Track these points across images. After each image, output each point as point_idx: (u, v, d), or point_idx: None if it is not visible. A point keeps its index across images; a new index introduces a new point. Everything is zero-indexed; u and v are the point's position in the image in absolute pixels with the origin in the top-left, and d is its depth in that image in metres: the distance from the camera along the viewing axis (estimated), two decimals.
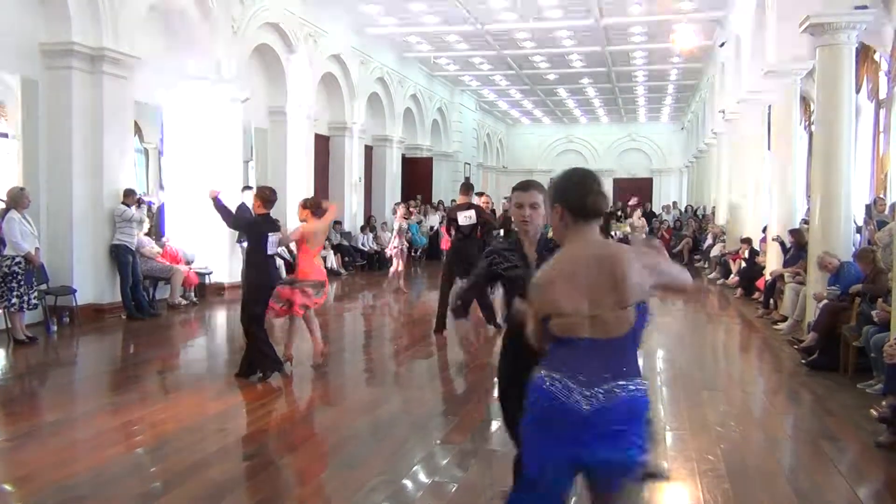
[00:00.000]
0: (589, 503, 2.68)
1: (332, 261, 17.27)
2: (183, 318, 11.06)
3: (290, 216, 15.67)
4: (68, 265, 10.00)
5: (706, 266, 19.28)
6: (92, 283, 10.30)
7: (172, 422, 5.74)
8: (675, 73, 23.79)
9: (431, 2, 15.77)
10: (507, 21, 17.18)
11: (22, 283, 8.50)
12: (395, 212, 15.78)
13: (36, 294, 8.96)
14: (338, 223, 17.23)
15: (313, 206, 7.47)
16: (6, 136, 17.00)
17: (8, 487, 4.46)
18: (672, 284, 2.76)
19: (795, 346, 8.60)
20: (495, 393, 6.80)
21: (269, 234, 7.01)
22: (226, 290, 13.22)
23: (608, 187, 34.56)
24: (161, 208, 13.67)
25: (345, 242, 17.83)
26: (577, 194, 2.61)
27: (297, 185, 15.96)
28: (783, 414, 6.57)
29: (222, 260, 13.30)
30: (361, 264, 18.02)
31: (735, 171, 16.63)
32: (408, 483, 4.56)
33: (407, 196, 22.89)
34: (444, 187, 26.00)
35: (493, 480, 4.55)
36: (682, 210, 26.77)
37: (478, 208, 10.00)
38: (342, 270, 17.18)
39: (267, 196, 7.20)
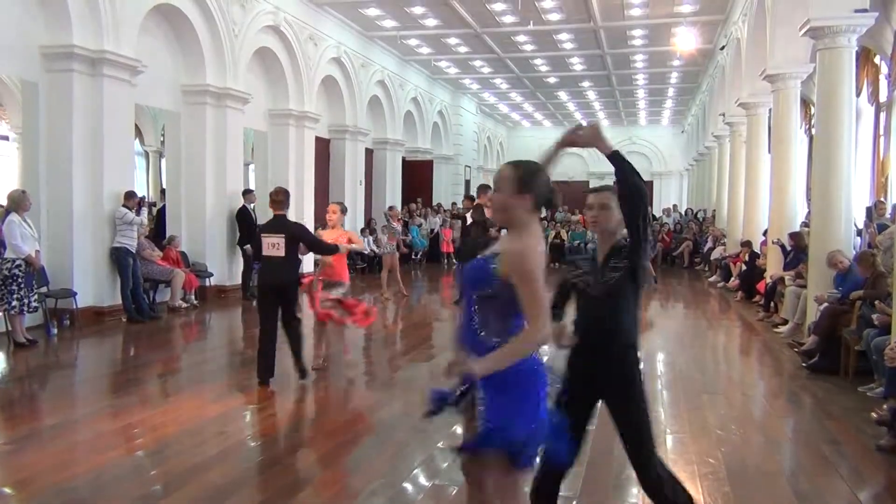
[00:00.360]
0: None
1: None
2: (183, 321, 11.06)
3: (291, 217, 15.70)
4: (68, 268, 10.01)
5: (707, 269, 19.29)
6: (92, 286, 10.31)
7: (172, 425, 5.73)
8: (675, 77, 23.81)
9: (432, 5, 15.79)
10: (508, 24, 17.19)
11: (22, 285, 8.50)
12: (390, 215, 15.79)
13: (36, 297, 8.97)
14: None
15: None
16: (7, 138, 17.14)
17: (8, 490, 4.46)
18: None
19: (796, 350, 8.59)
20: None
21: (263, 235, 6.99)
22: (226, 292, 13.23)
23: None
24: (162, 211, 13.70)
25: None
26: (548, 189, 2.90)
27: (298, 188, 15.96)
28: (784, 417, 6.56)
29: (222, 263, 13.32)
30: (362, 267, 18.02)
31: (736, 174, 16.66)
32: (408, 486, 4.56)
33: (407, 199, 22.91)
34: (445, 190, 26.03)
35: None
36: (682, 213, 26.77)
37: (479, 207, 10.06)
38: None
39: (271, 197, 7.21)
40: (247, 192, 13.58)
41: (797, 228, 11.48)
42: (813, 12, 8.92)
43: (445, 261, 21.39)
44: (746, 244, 14.29)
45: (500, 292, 2.75)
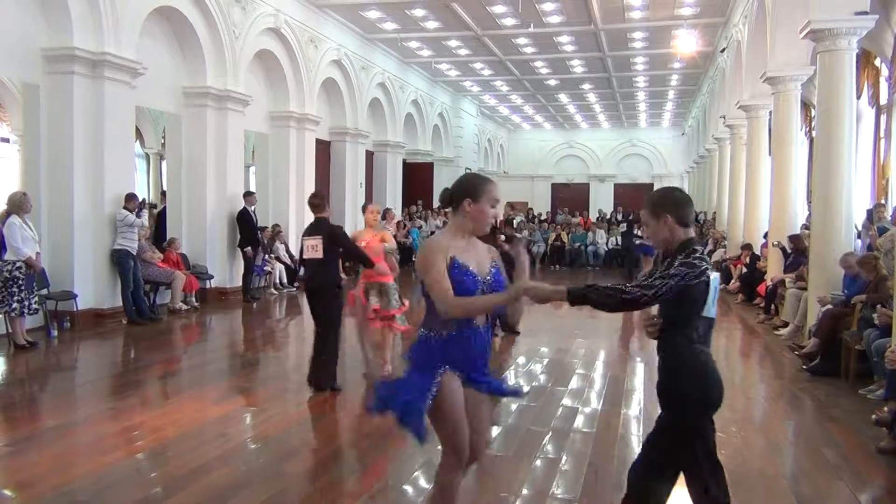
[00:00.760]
0: None
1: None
2: (184, 323, 11.06)
3: (292, 219, 15.77)
4: (69, 270, 10.02)
5: None
6: (93, 288, 10.31)
7: (173, 427, 5.73)
8: (675, 79, 23.82)
9: (432, 7, 15.80)
10: (508, 27, 17.21)
11: (23, 287, 8.50)
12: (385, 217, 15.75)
13: (37, 299, 8.97)
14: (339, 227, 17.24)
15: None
16: (7, 140, 17.13)
17: (8, 493, 4.46)
18: None
19: (796, 352, 8.59)
20: (501, 399, 6.82)
21: (304, 238, 7.00)
22: (227, 294, 13.24)
23: (609, 193, 34.74)
24: (163, 213, 13.71)
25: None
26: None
27: (298, 190, 15.98)
28: (784, 420, 6.56)
29: (223, 265, 13.32)
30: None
31: (736, 176, 16.66)
32: (409, 489, 4.55)
33: (408, 201, 22.92)
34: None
35: (495, 485, 4.55)
36: None
37: None
38: (343, 276, 17.16)
39: (308, 201, 7.19)
40: (247, 195, 13.59)
41: (797, 231, 11.47)
42: (813, 15, 8.92)
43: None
44: (747, 247, 14.29)
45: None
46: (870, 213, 10.58)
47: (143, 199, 12.21)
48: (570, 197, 33.96)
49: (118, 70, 10.40)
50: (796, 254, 10.89)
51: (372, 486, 4.58)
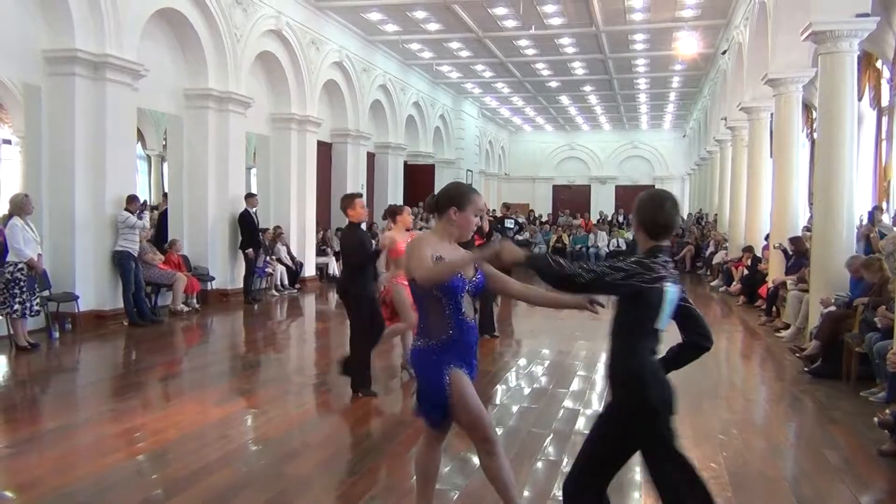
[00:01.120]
0: None
1: (335, 267, 17.30)
2: (185, 325, 11.06)
3: (293, 220, 15.78)
4: (71, 271, 10.02)
5: (709, 274, 19.28)
6: (94, 290, 10.32)
7: (174, 429, 5.73)
8: (676, 81, 23.82)
9: (434, 9, 15.81)
10: (509, 29, 17.22)
11: (24, 289, 8.51)
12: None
13: (38, 300, 8.97)
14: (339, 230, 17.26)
15: (391, 215, 7.52)
16: (9, 142, 17.17)
17: (9, 494, 4.46)
18: None
19: (798, 354, 8.58)
20: (497, 400, 6.83)
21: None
22: (228, 296, 13.24)
23: (610, 195, 34.78)
24: (164, 214, 13.71)
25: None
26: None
27: (300, 192, 16.00)
28: (786, 422, 6.55)
29: (224, 266, 13.33)
30: None
31: (737, 178, 16.66)
32: (409, 491, 4.55)
33: (409, 203, 22.90)
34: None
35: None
36: (685, 217, 26.77)
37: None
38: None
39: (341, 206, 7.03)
40: (249, 196, 13.61)
41: (799, 233, 11.47)
42: (814, 17, 8.92)
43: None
44: (748, 249, 14.29)
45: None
46: (871, 215, 10.57)
47: (145, 201, 12.24)
48: (571, 199, 33.97)
49: (119, 72, 10.41)
50: (797, 256, 10.89)
51: (373, 488, 4.57)
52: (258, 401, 6.79)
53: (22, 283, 8.49)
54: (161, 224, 13.86)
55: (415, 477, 3.72)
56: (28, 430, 5.73)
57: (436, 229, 3.48)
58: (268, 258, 14.46)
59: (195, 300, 12.13)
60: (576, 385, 7.43)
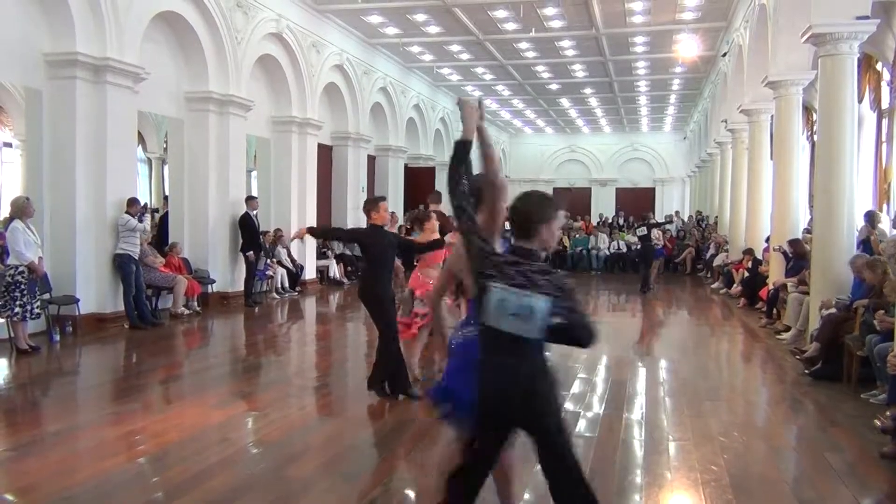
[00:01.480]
0: None
1: (335, 270, 17.31)
2: (185, 328, 11.06)
3: (293, 223, 15.78)
4: (71, 274, 10.03)
5: (709, 276, 19.28)
6: (95, 293, 10.32)
7: (175, 431, 5.73)
8: (677, 83, 23.82)
9: (434, 12, 15.83)
10: (510, 31, 17.23)
11: (25, 292, 8.51)
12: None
13: (39, 303, 8.97)
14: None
15: (417, 222, 7.51)
16: (10, 145, 17.19)
17: (10, 497, 4.46)
18: None
19: (798, 356, 8.58)
20: None
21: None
22: (229, 299, 13.25)
23: (611, 197, 34.80)
24: (164, 217, 13.73)
25: (347, 252, 17.86)
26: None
27: (300, 195, 16.01)
28: (786, 424, 6.55)
29: (225, 269, 13.34)
30: None
31: (738, 180, 16.66)
32: (410, 494, 4.55)
33: (410, 205, 22.91)
34: (447, 197, 26.01)
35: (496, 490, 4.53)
36: (685, 220, 26.76)
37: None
38: (345, 280, 17.21)
39: (364, 207, 7.04)
40: (249, 199, 13.62)
41: (799, 235, 11.47)
42: (815, 19, 8.93)
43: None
44: (749, 251, 14.29)
45: None
46: (871, 217, 10.55)
47: (146, 204, 12.25)
48: (571, 201, 33.94)
49: (120, 75, 10.43)
50: (796, 258, 10.89)
51: (374, 490, 4.57)
52: (259, 403, 6.79)
53: (23, 286, 8.49)
54: (162, 227, 13.88)
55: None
56: (29, 434, 5.73)
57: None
58: (268, 261, 14.46)
59: (196, 303, 12.14)
60: (576, 387, 7.43)
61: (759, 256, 13.80)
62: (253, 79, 14.31)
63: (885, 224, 11.20)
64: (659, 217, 26.85)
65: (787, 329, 10.20)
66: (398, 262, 7.64)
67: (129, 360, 9.17)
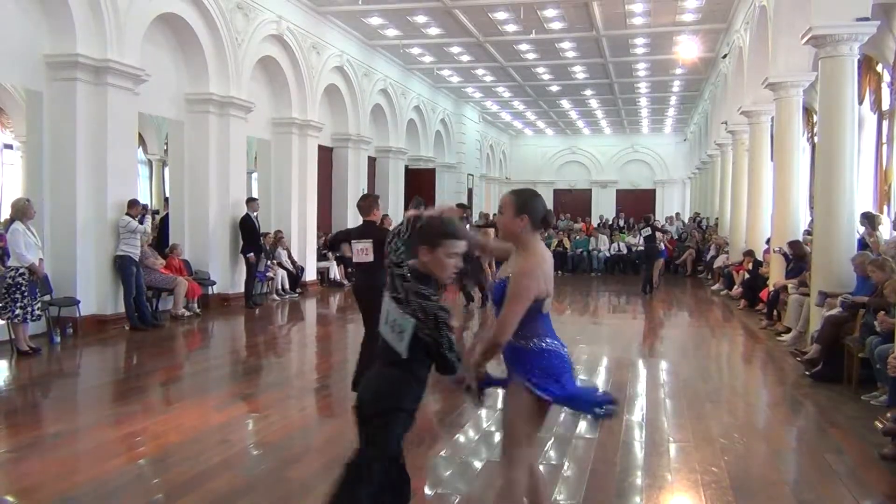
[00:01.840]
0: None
1: (335, 272, 17.31)
2: (186, 330, 11.07)
3: (294, 225, 15.80)
4: (72, 276, 10.03)
5: (710, 278, 19.27)
6: (95, 294, 10.33)
7: (175, 433, 5.73)
8: (677, 85, 23.85)
9: (434, 14, 15.84)
10: (510, 33, 17.25)
11: (26, 294, 8.52)
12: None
13: (39, 305, 8.98)
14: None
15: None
16: (11, 147, 17.20)
17: (11, 499, 4.46)
18: None
19: (799, 358, 8.58)
20: (499, 404, 6.82)
21: (353, 241, 7.00)
22: (229, 300, 13.25)
23: (611, 198, 34.83)
24: (165, 219, 13.73)
25: (348, 254, 17.83)
26: (544, 210, 3.36)
27: (301, 196, 16.01)
28: (787, 426, 6.55)
29: (225, 271, 13.34)
30: None
31: (738, 182, 16.66)
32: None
33: (410, 207, 22.91)
34: (448, 198, 26.04)
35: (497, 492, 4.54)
36: (685, 221, 26.77)
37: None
38: (345, 281, 17.21)
39: (357, 204, 7.29)
40: (250, 201, 13.63)
41: (800, 237, 11.47)
42: (815, 21, 8.93)
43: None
44: (749, 252, 14.28)
45: None
46: (872, 218, 10.53)
47: (146, 206, 12.26)
48: (572, 203, 33.97)
49: (121, 77, 10.44)
50: (796, 260, 10.88)
51: None
52: (259, 405, 6.79)
53: (23, 288, 8.50)
54: (162, 228, 13.88)
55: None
56: (29, 435, 5.73)
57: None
58: (269, 262, 14.47)
59: (196, 304, 12.14)
60: None
61: (760, 258, 13.80)
62: (253, 80, 14.32)
63: (885, 225, 11.19)
64: (659, 217, 26.90)
65: (788, 330, 10.20)
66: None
67: (130, 362, 9.17)
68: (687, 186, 34.00)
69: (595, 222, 27.77)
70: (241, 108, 13.41)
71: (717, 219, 22.15)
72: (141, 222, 10.63)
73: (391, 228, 7.14)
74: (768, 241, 13.08)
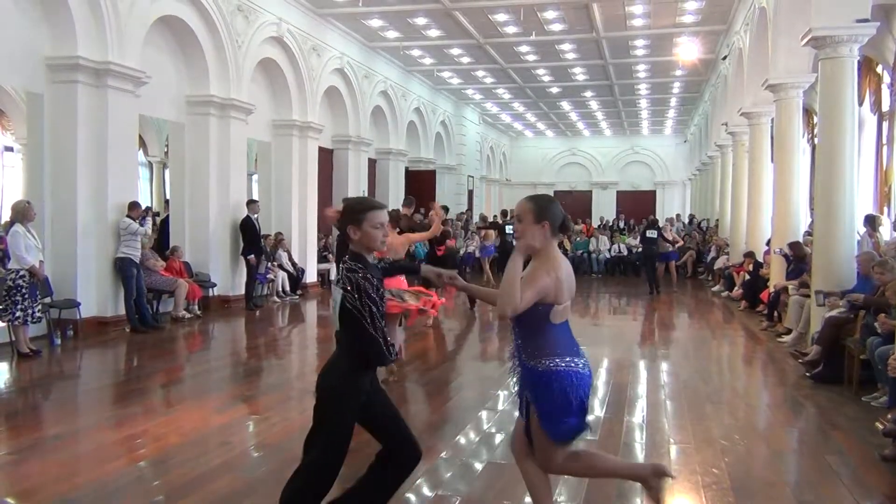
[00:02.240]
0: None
1: (336, 272, 17.30)
2: (186, 331, 11.07)
3: (294, 227, 15.80)
4: (72, 278, 10.04)
5: (710, 279, 19.27)
6: (96, 296, 10.33)
7: (175, 435, 5.73)
8: (677, 86, 23.86)
9: (434, 16, 15.86)
10: (510, 35, 17.26)
11: (26, 296, 8.53)
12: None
13: (40, 307, 8.99)
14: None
15: (393, 219, 7.59)
16: (11, 149, 17.21)
17: (11, 501, 4.46)
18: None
19: (799, 359, 8.57)
20: (500, 406, 6.82)
21: None
22: (230, 302, 13.25)
23: (611, 200, 34.85)
24: (165, 221, 13.73)
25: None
26: (560, 216, 3.36)
27: (301, 198, 16.02)
28: (787, 427, 6.54)
29: (226, 273, 13.35)
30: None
31: (738, 183, 16.67)
32: (411, 497, 4.55)
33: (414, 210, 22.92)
34: (448, 200, 26.06)
35: (498, 493, 4.54)
36: (685, 222, 26.76)
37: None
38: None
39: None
40: (250, 203, 13.63)
41: (800, 238, 11.47)
42: (814, 22, 8.94)
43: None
44: (749, 254, 14.28)
45: (524, 313, 3.23)
46: (873, 219, 10.54)
47: (147, 208, 12.26)
48: (572, 204, 33.99)
49: (122, 79, 10.45)
50: (797, 261, 10.89)
51: None
52: (260, 407, 6.79)
53: (24, 290, 8.51)
54: (163, 230, 13.89)
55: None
56: (30, 437, 5.73)
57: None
58: (269, 264, 14.47)
59: (197, 307, 12.15)
60: None
61: (760, 259, 13.80)
62: (254, 82, 14.33)
63: (885, 227, 11.20)
64: (659, 218, 26.89)
65: (788, 332, 10.20)
66: None
67: (130, 364, 9.17)
68: (687, 188, 34.01)
69: (595, 224, 27.76)
70: (241, 110, 13.42)
71: (717, 220, 22.16)
72: (141, 224, 10.63)
73: None
74: (769, 243, 13.08)
